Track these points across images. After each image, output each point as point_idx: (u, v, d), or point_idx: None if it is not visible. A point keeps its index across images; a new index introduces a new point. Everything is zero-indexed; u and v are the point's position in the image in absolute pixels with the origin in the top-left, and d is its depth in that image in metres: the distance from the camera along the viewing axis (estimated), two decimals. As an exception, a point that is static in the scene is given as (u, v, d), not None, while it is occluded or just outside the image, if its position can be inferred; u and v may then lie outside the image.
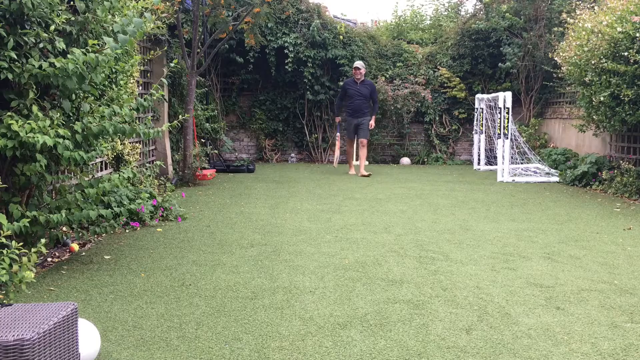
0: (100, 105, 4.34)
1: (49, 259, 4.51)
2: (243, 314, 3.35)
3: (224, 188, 8.63)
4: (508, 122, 9.55)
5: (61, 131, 3.67)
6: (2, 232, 2.89)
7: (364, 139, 10.25)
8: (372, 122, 10.38)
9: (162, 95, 4.45)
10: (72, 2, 3.95)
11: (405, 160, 12.73)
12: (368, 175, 9.97)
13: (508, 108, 9.52)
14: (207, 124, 11.00)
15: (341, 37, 12.29)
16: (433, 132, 12.79)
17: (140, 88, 7.85)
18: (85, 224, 5.02)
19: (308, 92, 12.40)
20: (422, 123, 12.91)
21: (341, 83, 12.29)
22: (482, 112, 11.44)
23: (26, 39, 3.64)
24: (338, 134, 11.06)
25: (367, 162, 11.26)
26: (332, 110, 12.81)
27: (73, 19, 3.94)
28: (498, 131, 9.80)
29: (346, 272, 4.19)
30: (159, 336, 3.02)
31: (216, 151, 11.44)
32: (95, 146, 4.33)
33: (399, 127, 12.82)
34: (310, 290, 3.77)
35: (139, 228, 5.65)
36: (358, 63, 10.28)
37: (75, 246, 4.75)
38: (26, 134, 3.49)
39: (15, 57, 3.51)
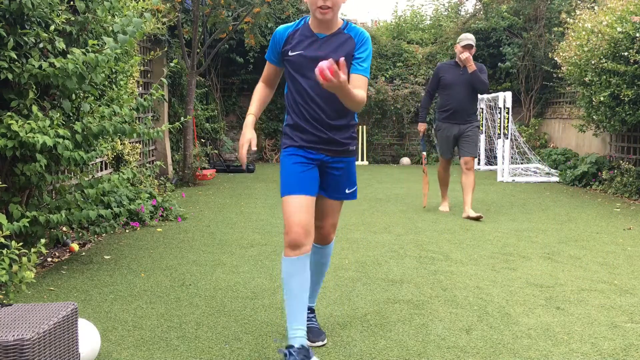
0: (100, 105, 4.34)
1: (49, 259, 4.51)
2: (243, 314, 3.35)
3: (224, 188, 8.63)
4: (508, 122, 9.55)
5: (61, 131, 3.67)
6: (2, 232, 2.89)
7: (469, 157, 6.38)
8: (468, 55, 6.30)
9: (162, 95, 4.45)
10: (72, 2, 3.95)
11: (405, 160, 12.73)
12: (478, 218, 6.16)
13: (508, 108, 9.52)
14: (207, 124, 11.00)
15: (341, 37, 12.28)
16: (433, 131, 12.79)
17: (140, 88, 7.85)
18: (85, 224, 5.02)
19: (308, 92, 12.39)
20: (422, 123, 12.89)
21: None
22: (482, 112, 11.44)
23: (26, 39, 3.64)
24: (424, 153, 7.12)
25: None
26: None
27: (73, 19, 3.94)
28: (498, 131, 9.80)
29: (346, 272, 4.19)
30: (159, 336, 3.02)
31: (216, 151, 11.44)
32: (95, 146, 4.33)
33: (399, 127, 12.82)
34: (310, 290, 3.77)
35: (139, 228, 5.65)
36: (468, 37, 6.41)
37: (75, 246, 4.75)
38: (26, 134, 3.49)
39: (15, 57, 3.51)
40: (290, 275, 2.65)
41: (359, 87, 2.70)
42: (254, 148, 2.76)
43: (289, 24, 2.85)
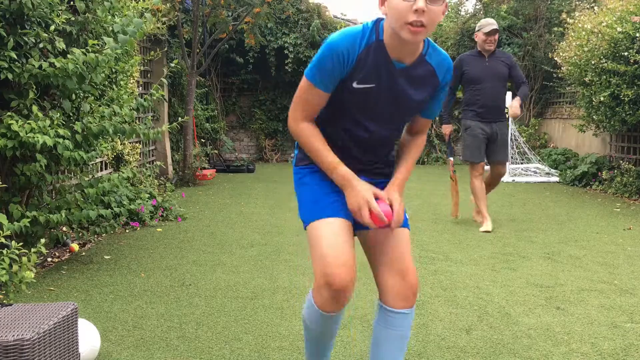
0: (100, 105, 4.34)
1: (49, 259, 4.51)
2: (243, 314, 3.35)
3: (224, 188, 8.63)
4: (508, 122, 9.55)
5: (61, 131, 3.67)
6: (2, 232, 2.89)
7: (501, 161, 5.69)
8: (516, 105, 5.51)
9: (162, 96, 4.45)
10: (72, 2, 3.95)
11: (405, 160, 12.72)
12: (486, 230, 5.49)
13: (508, 108, 9.51)
14: (207, 124, 11.00)
15: (341, 37, 12.28)
16: (433, 132, 12.79)
17: (140, 88, 7.85)
18: (85, 224, 5.02)
19: (308, 92, 12.38)
20: (422, 123, 12.89)
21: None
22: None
23: (26, 39, 3.64)
24: (451, 158, 6.10)
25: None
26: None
27: (73, 19, 3.94)
28: (498, 131, 9.79)
29: (346, 272, 4.19)
30: (159, 336, 3.02)
31: (216, 151, 11.44)
32: (95, 146, 4.33)
33: (399, 127, 12.82)
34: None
35: (139, 228, 5.65)
36: (490, 21, 5.54)
37: (75, 246, 4.75)
38: (26, 134, 3.49)
39: (15, 57, 3.51)
40: (324, 332, 2.05)
41: (419, 132, 2.14)
42: (383, 198, 1.97)
43: (352, 34, 1.88)
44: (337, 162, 1.96)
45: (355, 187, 1.92)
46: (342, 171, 1.95)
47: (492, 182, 5.81)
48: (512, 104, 5.53)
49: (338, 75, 1.89)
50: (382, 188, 2.07)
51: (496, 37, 5.51)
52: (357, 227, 2.08)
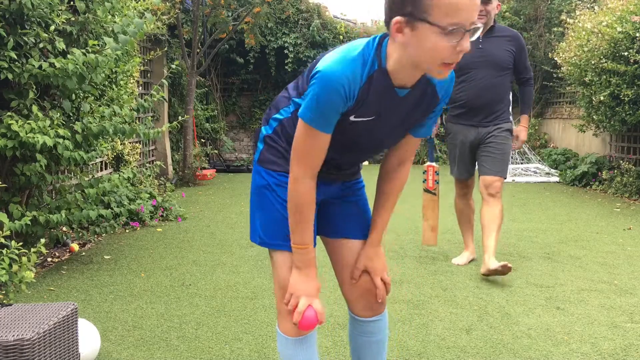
0: (100, 106, 4.35)
1: (49, 259, 4.51)
2: (243, 314, 3.35)
3: (224, 188, 8.63)
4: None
5: (61, 131, 3.67)
6: (2, 232, 2.89)
7: (493, 176, 4.07)
8: (523, 134, 4.37)
9: (162, 96, 4.45)
10: (72, 2, 3.95)
11: (405, 160, 12.71)
12: (504, 270, 3.80)
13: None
14: (207, 124, 11.01)
15: (341, 37, 12.29)
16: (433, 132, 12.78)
17: (141, 88, 7.85)
18: (85, 224, 5.02)
19: (308, 92, 12.38)
20: (422, 123, 12.88)
21: None
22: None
23: (26, 39, 3.64)
24: (432, 164, 4.58)
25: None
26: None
27: (73, 19, 3.94)
28: (498, 131, 9.78)
29: (346, 272, 4.19)
30: (159, 336, 3.02)
31: (216, 151, 11.44)
32: (95, 146, 4.33)
33: (399, 127, 12.81)
34: (310, 290, 3.76)
35: (139, 228, 5.65)
36: None
37: (75, 246, 4.75)
38: (26, 134, 3.49)
39: (15, 57, 3.51)
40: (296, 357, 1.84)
41: (404, 161, 1.91)
42: (322, 320, 1.78)
43: (352, 61, 1.57)
44: (310, 242, 1.77)
45: (312, 279, 1.79)
46: (310, 256, 1.78)
47: (484, 207, 4.13)
48: (518, 132, 4.34)
49: (341, 111, 1.62)
50: (351, 192, 2.01)
51: (488, 7, 4.10)
52: (327, 234, 2.00)
